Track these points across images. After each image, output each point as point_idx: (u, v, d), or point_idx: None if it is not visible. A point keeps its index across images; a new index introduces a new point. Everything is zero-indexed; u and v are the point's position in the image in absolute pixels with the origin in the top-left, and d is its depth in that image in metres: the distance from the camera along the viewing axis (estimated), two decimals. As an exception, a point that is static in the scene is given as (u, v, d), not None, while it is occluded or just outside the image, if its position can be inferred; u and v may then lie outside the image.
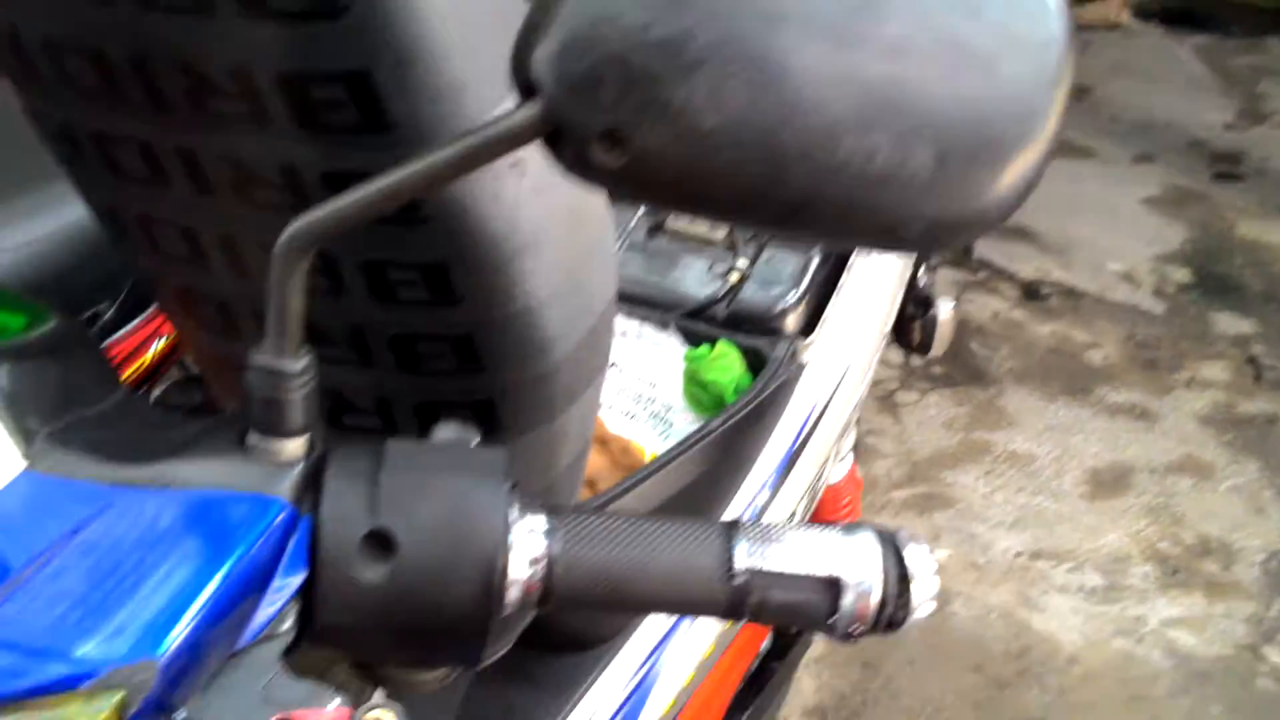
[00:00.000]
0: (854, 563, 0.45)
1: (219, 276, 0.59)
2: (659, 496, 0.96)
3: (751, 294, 1.17)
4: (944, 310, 1.45)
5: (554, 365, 0.57)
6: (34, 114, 0.55)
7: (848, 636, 0.45)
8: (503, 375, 0.58)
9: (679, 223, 1.26)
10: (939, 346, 1.48)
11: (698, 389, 1.06)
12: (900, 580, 0.45)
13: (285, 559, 0.40)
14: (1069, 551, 2.11)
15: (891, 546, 0.45)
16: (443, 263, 0.51)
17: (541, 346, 0.56)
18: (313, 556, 0.40)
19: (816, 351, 1.13)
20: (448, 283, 0.52)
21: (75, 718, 0.35)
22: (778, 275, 1.19)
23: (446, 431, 0.45)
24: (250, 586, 0.39)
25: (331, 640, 0.42)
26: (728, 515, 1.05)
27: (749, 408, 1.01)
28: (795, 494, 1.11)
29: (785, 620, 0.45)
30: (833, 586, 0.44)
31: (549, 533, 0.43)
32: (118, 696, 0.36)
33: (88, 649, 0.36)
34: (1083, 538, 2.14)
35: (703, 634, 0.98)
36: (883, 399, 2.46)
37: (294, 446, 0.41)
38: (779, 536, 0.45)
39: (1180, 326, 2.70)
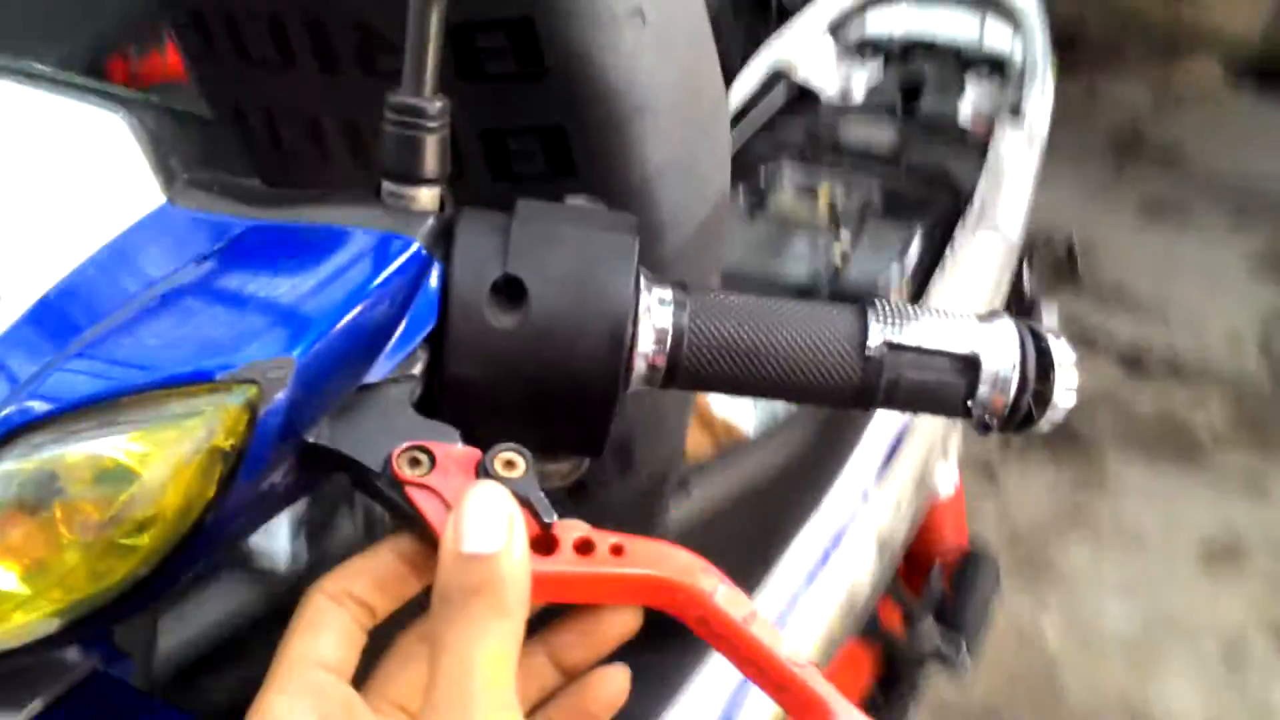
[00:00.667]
0: (993, 344, 0.44)
1: None
2: (762, 476, 0.96)
3: (855, 271, 1.18)
4: (1049, 318, 1.43)
5: (669, 254, 0.55)
6: (209, 96, 0.56)
7: (985, 427, 0.44)
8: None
9: (781, 203, 1.27)
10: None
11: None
12: (1040, 366, 0.44)
13: (416, 303, 0.40)
14: (1185, 624, 2.04)
15: (1031, 333, 0.44)
16: (560, 126, 0.50)
17: (656, 231, 0.54)
18: (443, 301, 0.40)
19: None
20: (566, 150, 0.51)
21: (206, 408, 0.35)
22: (880, 252, 1.20)
23: (577, 200, 0.44)
24: (382, 319, 0.39)
25: (460, 396, 0.41)
26: (832, 499, 1.03)
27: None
28: (903, 476, 1.11)
29: (920, 404, 0.44)
30: (971, 366, 0.43)
31: (678, 304, 0.42)
32: (252, 390, 0.35)
33: (222, 346, 0.36)
34: (1199, 610, 2.07)
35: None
36: (980, 465, 2.41)
37: (428, 196, 0.41)
38: (916, 315, 0.44)
39: (1288, 394, 2.62)
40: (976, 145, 1.47)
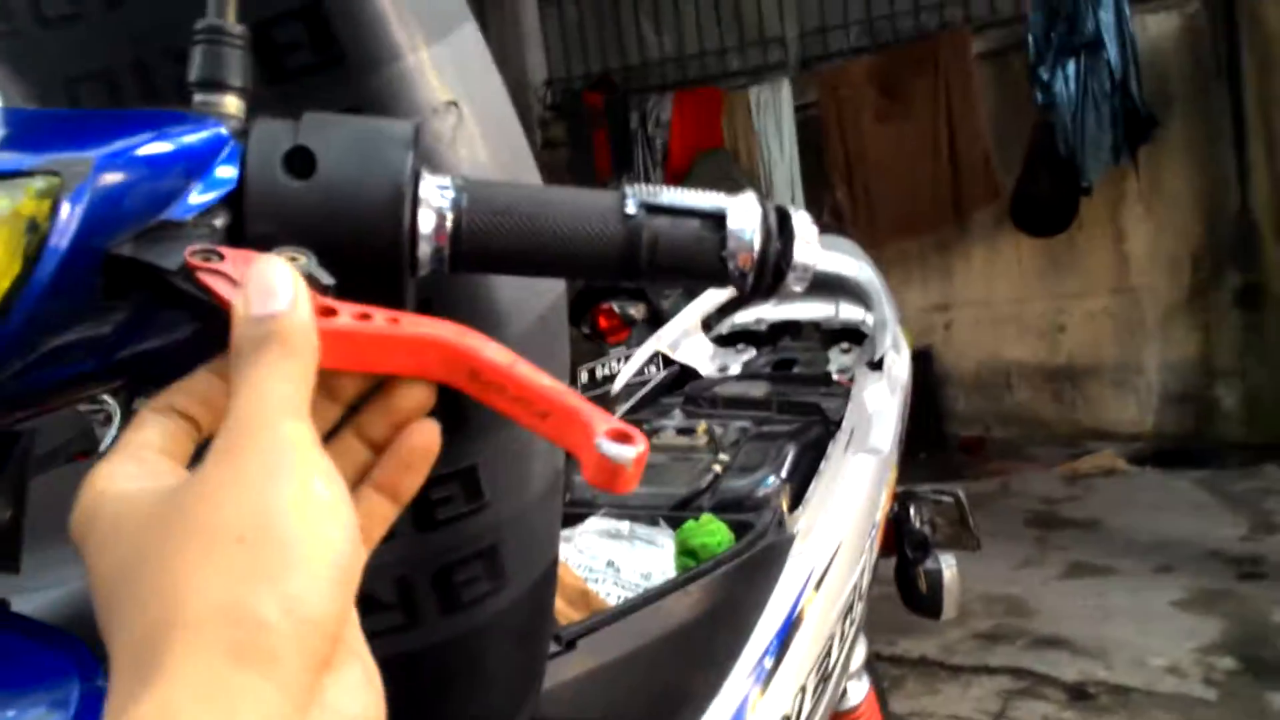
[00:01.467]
0: (737, 206, 0.48)
1: None
2: (647, 636, 0.95)
3: (733, 482, 1.21)
4: (947, 566, 1.45)
5: (513, 340, 0.58)
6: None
7: (741, 289, 0.48)
8: None
9: (663, 437, 1.33)
10: (950, 607, 1.46)
11: (687, 558, 1.07)
12: (781, 225, 0.48)
13: (217, 163, 0.45)
14: None
15: (773, 204, 0.49)
16: None
17: (500, 319, 0.60)
18: (241, 168, 0.44)
19: (804, 523, 1.15)
20: None
21: (12, 189, 0.39)
22: (756, 465, 1.24)
23: None
24: (181, 165, 0.44)
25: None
26: (733, 677, 1.01)
27: (737, 559, 1.02)
28: (800, 669, 1.08)
29: (680, 263, 0.47)
30: (719, 223, 0.48)
31: (456, 189, 0.46)
32: (55, 179, 0.40)
33: (28, 150, 0.41)
34: None
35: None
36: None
37: (234, 104, 0.47)
38: (668, 189, 0.49)
39: (1239, 707, 2.56)
40: (843, 393, 1.60)
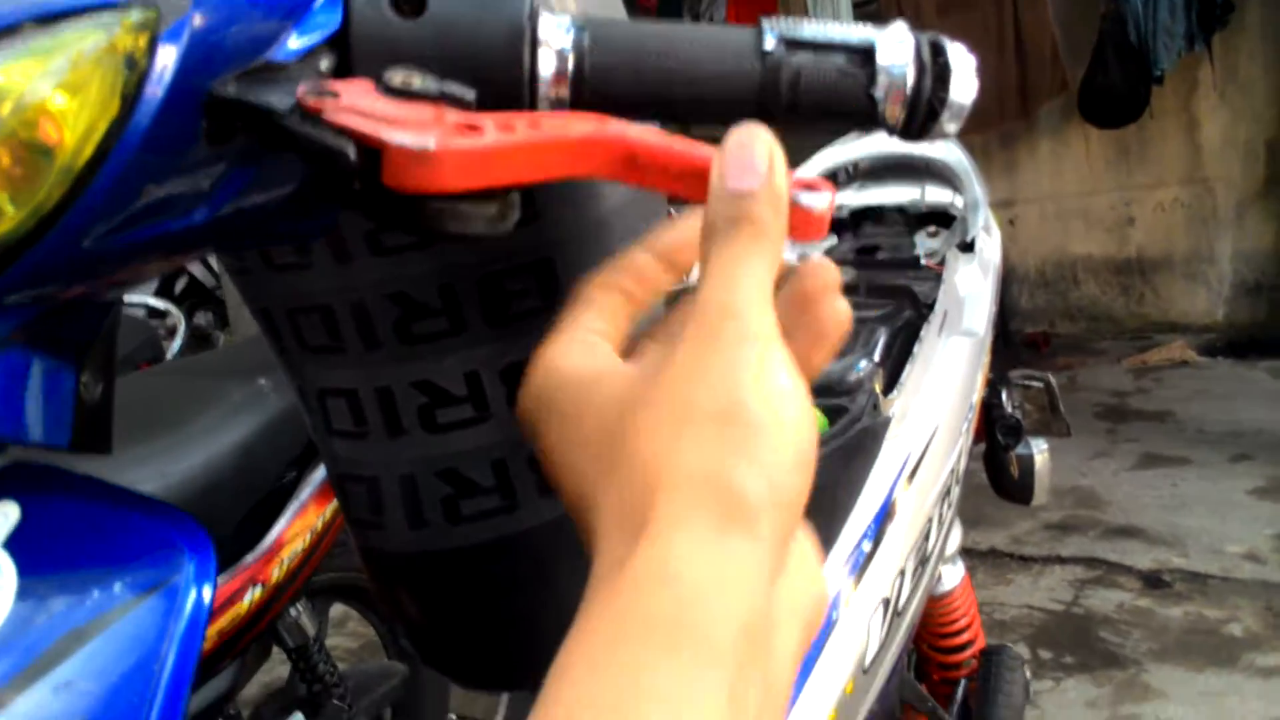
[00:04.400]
0: (888, 40, 0.45)
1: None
2: None
3: (825, 368, 1.21)
4: (1039, 451, 1.46)
5: (606, 212, 0.57)
6: (292, 382, 0.63)
7: (890, 128, 0.46)
8: (559, 227, 0.58)
9: None
10: (1040, 493, 1.47)
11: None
12: (935, 61, 0.45)
13: (319, 1, 0.41)
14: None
15: (926, 36, 0.46)
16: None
17: (591, 190, 0.57)
18: (346, 7, 0.41)
19: (900, 407, 1.15)
20: (531, 199, 0.53)
21: (108, 20, 0.37)
22: (848, 349, 1.24)
23: None
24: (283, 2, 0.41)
25: None
26: (830, 563, 1.03)
27: (833, 443, 1.02)
28: (897, 553, 1.09)
29: (823, 103, 0.45)
30: (867, 58, 0.44)
31: (578, 27, 0.43)
32: (152, 11, 0.37)
33: None
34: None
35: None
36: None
37: None
38: (810, 21, 0.45)
39: (1320, 592, 2.57)
40: (933, 276, 1.59)
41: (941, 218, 1.72)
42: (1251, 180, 4.54)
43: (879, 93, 0.45)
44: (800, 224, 0.38)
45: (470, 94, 0.40)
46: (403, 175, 0.36)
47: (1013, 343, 4.95)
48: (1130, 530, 3.00)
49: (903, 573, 1.16)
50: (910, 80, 0.45)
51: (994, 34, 4.63)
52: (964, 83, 0.45)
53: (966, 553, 2.98)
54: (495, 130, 0.37)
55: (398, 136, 0.36)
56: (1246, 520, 2.95)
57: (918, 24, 0.46)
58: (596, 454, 0.35)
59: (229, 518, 1.41)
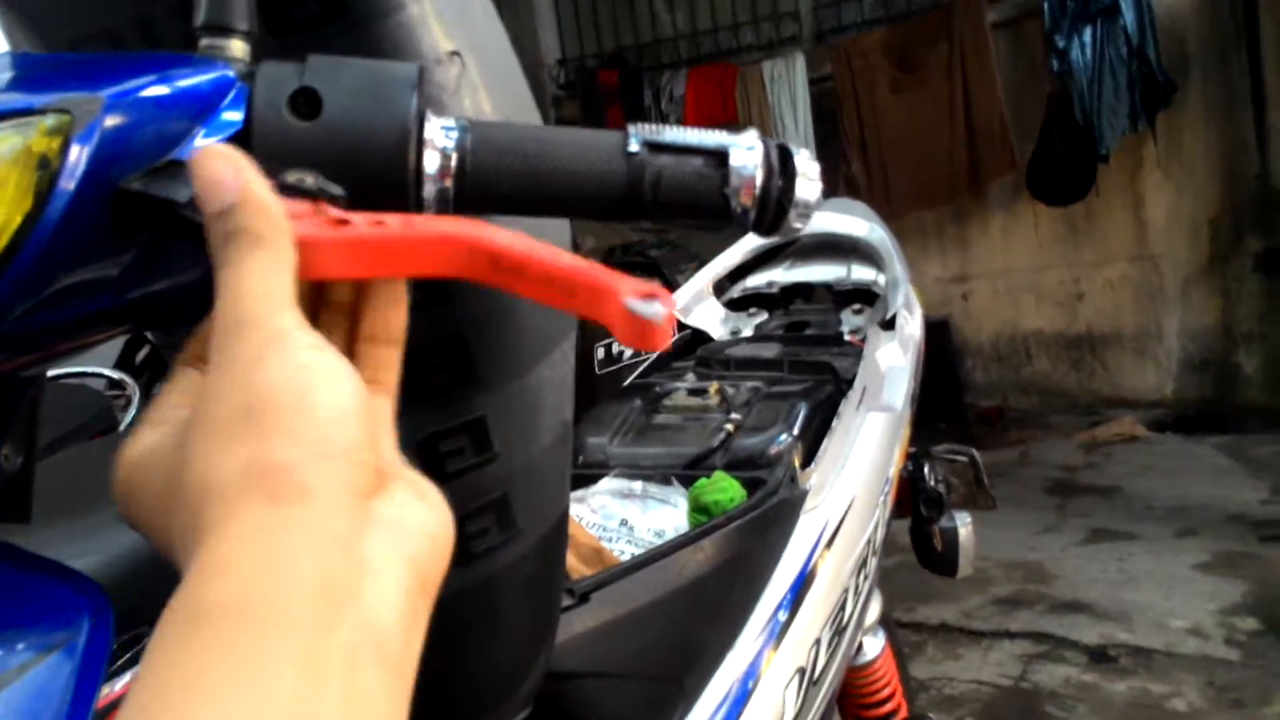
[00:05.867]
0: (739, 144, 0.49)
1: None
2: (661, 590, 0.96)
3: (745, 440, 1.22)
4: (962, 524, 1.46)
5: (518, 303, 0.60)
6: None
7: (743, 220, 0.48)
8: (469, 306, 0.61)
9: (675, 399, 1.34)
10: (965, 565, 1.47)
11: (700, 515, 1.08)
12: (782, 163, 0.49)
13: (224, 105, 0.46)
14: None
15: (775, 142, 0.49)
16: None
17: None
18: (247, 110, 0.44)
19: (817, 479, 1.16)
20: None
21: (24, 126, 0.40)
22: (768, 423, 1.24)
23: None
24: (188, 106, 0.45)
25: None
26: (747, 632, 1.02)
27: (750, 515, 1.03)
28: (814, 623, 1.09)
29: (682, 202, 0.48)
30: (721, 160, 0.48)
31: (460, 129, 0.46)
32: (65, 117, 0.41)
33: (39, 91, 0.42)
34: None
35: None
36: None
37: (240, 47, 0.48)
38: (670, 128, 0.49)
39: (1261, 668, 2.56)
40: (855, 353, 1.61)
41: (867, 295, 1.75)
42: (1196, 257, 4.63)
43: (732, 192, 0.48)
44: (640, 333, 0.39)
45: (340, 190, 0.42)
46: None
47: (966, 418, 4.98)
48: (1077, 605, 3.00)
49: (818, 642, 1.15)
50: (759, 181, 0.48)
51: (944, 113, 4.74)
52: (809, 184, 0.49)
53: (916, 627, 2.98)
54: (364, 225, 0.40)
55: None
56: (1190, 596, 2.96)
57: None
58: (168, 501, 0.35)
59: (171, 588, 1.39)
